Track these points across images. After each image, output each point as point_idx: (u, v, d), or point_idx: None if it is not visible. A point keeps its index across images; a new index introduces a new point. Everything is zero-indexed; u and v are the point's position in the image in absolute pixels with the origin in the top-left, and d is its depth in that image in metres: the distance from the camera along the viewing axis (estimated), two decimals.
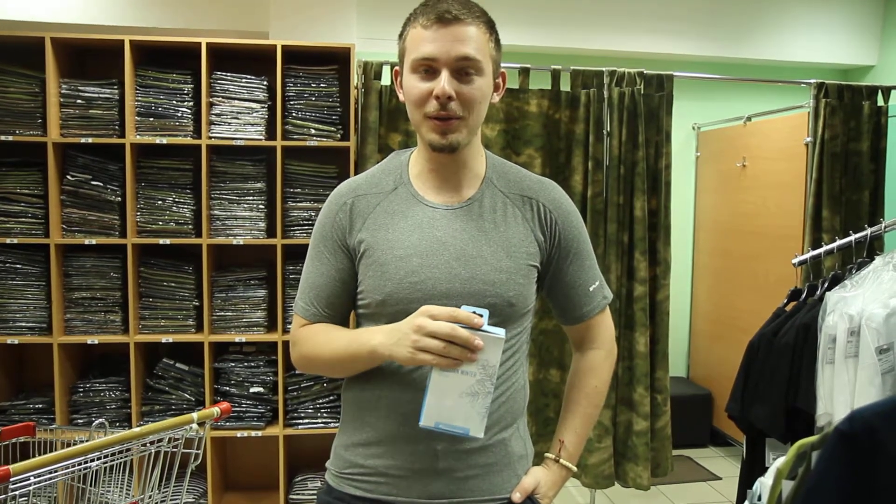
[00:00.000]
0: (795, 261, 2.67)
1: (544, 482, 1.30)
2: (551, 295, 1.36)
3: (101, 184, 2.90)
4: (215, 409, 1.82)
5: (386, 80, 3.15)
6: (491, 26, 1.21)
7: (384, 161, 1.35)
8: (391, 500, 1.23)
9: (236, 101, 2.94)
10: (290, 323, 2.99)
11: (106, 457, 1.64)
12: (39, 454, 1.51)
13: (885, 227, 2.53)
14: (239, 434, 2.97)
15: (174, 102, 2.92)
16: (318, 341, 1.28)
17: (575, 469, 1.34)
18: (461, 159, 1.26)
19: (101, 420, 1.91)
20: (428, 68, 1.18)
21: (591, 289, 1.34)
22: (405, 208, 1.26)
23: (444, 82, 1.16)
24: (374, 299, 1.23)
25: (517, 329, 1.27)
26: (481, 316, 1.09)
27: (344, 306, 1.32)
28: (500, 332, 1.09)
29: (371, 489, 1.24)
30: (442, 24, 1.16)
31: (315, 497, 3.02)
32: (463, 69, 1.17)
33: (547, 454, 1.34)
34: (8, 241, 2.85)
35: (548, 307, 3.09)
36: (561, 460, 1.33)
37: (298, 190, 3.00)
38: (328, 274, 1.29)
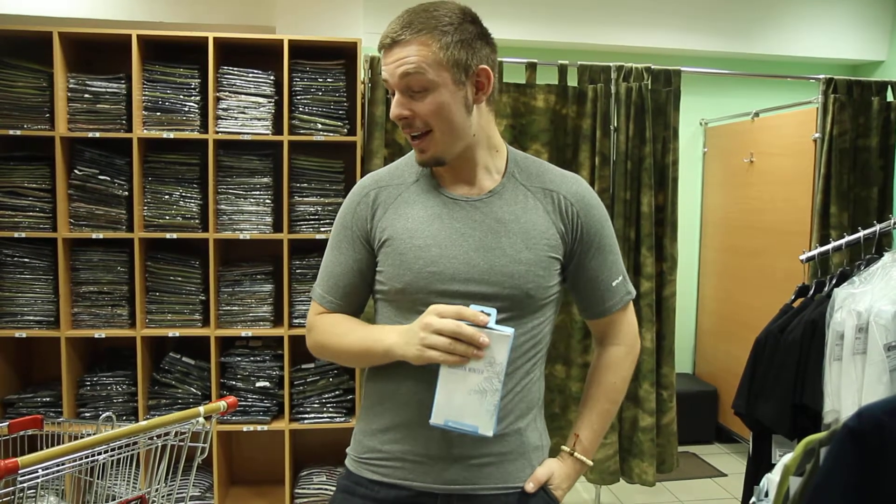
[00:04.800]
0: (803, 257, 2.66)
1: (558, 474, 1.31)
2: (574, 289, 1.36)
3: (109, 178, 2.91)
4: (222, 404, 1.83)
5: None
6: (443, 32, 1.17)
7: (407, 154, 1.36)
8: (407, 484, 1.25)
9: (243, 96, 2.94)
10: (295, 318, 3.01)
11: (113, 450, 1.65)
12: (47, 447, 1.52)
13: (894, 224, 2.52)
14: (245, 428, 2.98)
15: (181, 97, 2.92)
16: (335, 332, 1.31)
17: (590, 463, 1.35)
18: (470, 158, 1.27)
19: (108, 413, 1.92)
20: (391, 91, 1.22)
21: (613, 284, 1.33)
22: (426, 199, 1.28)
23: (394, 105, 1.21)
24: (393, 287, 1.26)
25: (538, 319, 1.28)
26: (488, 314, 1.11)
27: (360, 297, 1.34)
28: (508, 330, 1.10)
29: (388, 474, 1.26)
30: (386, 49, 1.20)
31: (320, 491, 3.03)
32: (410, 88, 1.18)
33: (562, 447, 1.36)
34: (16, 234, 2.86)
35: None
36: (575, 454, 1.34)
37: (305, 185, 3.00)
38: (346, 264, 1.31)
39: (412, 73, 1.17)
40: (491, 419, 1.10)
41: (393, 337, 1.19)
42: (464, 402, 1.11)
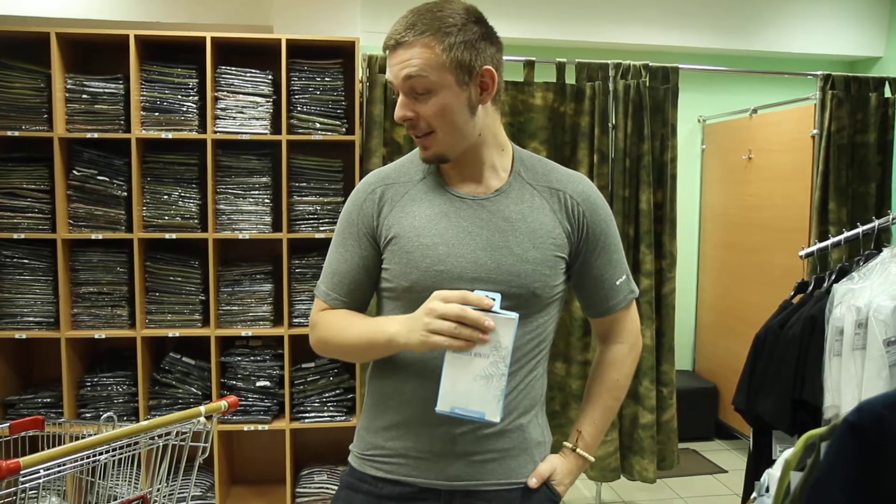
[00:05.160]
0: (802, 253, 2.66)
1: (560, 469, 1.32)
2: (578, 287, 1.36)
3: (107, 179, 2.91)
4: (223, 403, 1.83)
5: None
6: (446, 34, 1.17)
7: (412, 152, 1.37)
8: (411, 481, 1.26)
9: (241, 96, 2.94)
10: (295, 317, 3.01)
11: (114, 450, 1.65)
12: (48, 448, 1.52)
13: (893, 219, 2.53)
14: (245, 428, 2.98)
15: (179, 97, 2.92)
16: (337, 326, 1.30)
17: (592, 459, 1.36)
18: (477, 156, 1.27)
19: (109, 413, 1.92)
20: (396, 92, 1.23)
21: (617, 282, 1.34)
22: (432, 197, 1.28)
23: (398, 106, 1.22)
24: (399, 285, 1.26)
25: (543, 318, 1.28)
26: (493, 299, 1.10)
27: (364, 294, 1.34)
28: (513, 314, 1.09)
29: (391, 470, 1.27)
30: (391, 50, 1.20)
31: (321, 490, 3.04)
32: (414, 90, 1.19)
33: (565, 443, 1.37)
34: (15, 236, 2.86)
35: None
36: (578, 450, 1.35)
37: (303, 184, 3.00)
38: (351, 261, 1.31)
39: (415, 75, 1.17)
40: (497, 404, 1.09)
41: (395, 326, 1.18)
42: (469, 388, 1.10)
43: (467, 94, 1.20)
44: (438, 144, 1.23)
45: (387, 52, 1.21)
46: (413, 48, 1.17)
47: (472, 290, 1.13)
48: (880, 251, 2.39)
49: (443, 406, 1.11)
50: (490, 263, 1.22)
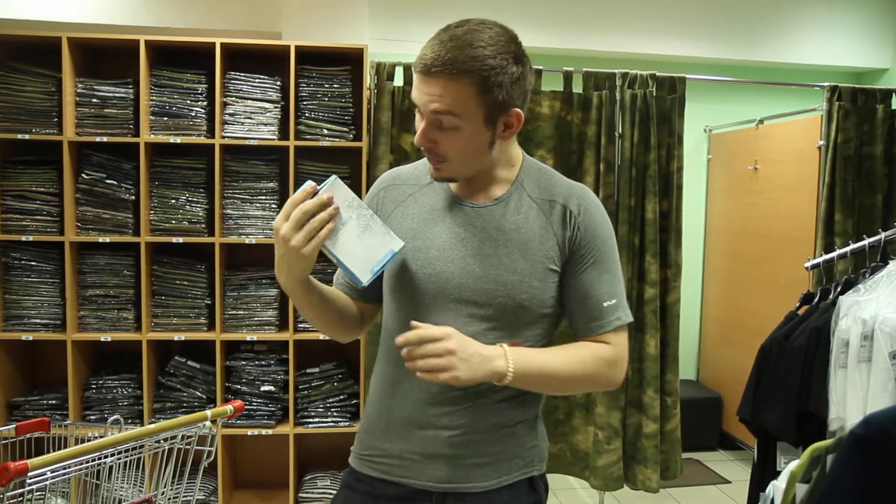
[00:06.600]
0: (808, 264, 2.66)
1: (465, 343, 1.13)
2: (565, 301, 1.29)
3: (116, 182, 2.92)
4: (229, 407, 1.83)
5: (398, 80, 3.16)
6: (484, 77, 1.12)
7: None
8: (405, 482, 1.28)
9: (250, 101, 2.96)
10: (301, 322, 3.02)
11: (121, 453, 1.65)
12: (53, 450, 1.53)
13: None
14: (249, 432, 2.98)
15: (188, 102, 2.94)
16: None
17: (508, 367, 1.15)
18: (486, 171, 1.28)
19: (115, 416, 1.93)
20: (418, 112, 1.20)
21: (605, 304, 1.26)
22: (433, 202, 1.30)
23: (419, 132, 1.19)
24: (390, 284, 1.30)
25: (535, 331, 1.27)
26: (312, 182, 1.15)
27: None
28: (330, 177, 1.16)
29: (387, 471, 1.29)
30: (421, 75, 1.15)
31: (324, 495, 3.04)
32: (440, 122, 1.16)
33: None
34: (23, 238, 2.88)
35: None
36: (502, 345, 1.18)
37: None
38: None
39: (444, 111, 1.15)
40: (390, 234, 1.19)
41: (276, 267, 1.20)
42: (365, 246, 1.17)
43: (491, 133, 1.20)
44: (451, 169, 1.23)
45: (415, 70, 1.17)
46: (447, 83, 1.13)
47: (460, 309, 1.19)
48: (886, 263, 2.39)
49: (364, 277, 1.17)
50: (478, 270, 1.23)
